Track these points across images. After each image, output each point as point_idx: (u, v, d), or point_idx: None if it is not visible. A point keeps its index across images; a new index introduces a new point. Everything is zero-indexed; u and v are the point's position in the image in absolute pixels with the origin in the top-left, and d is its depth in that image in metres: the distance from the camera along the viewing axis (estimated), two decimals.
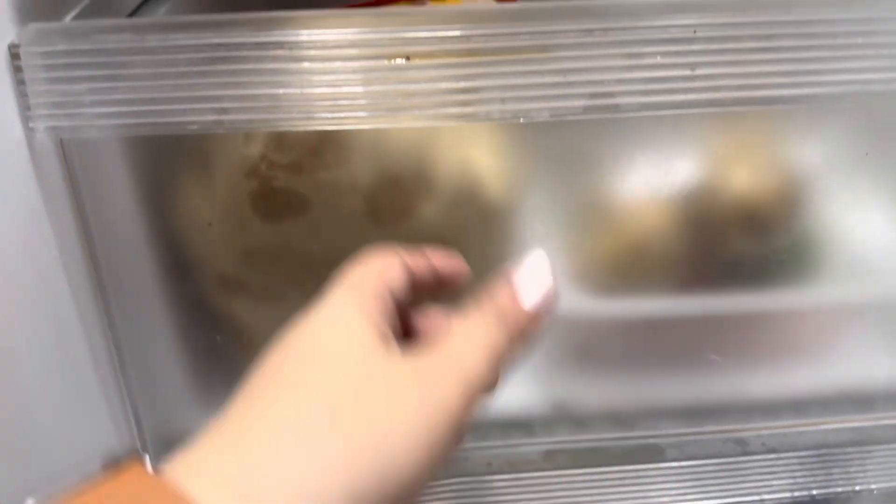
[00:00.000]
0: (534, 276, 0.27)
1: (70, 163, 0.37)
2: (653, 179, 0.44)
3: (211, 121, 0.34)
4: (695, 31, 0.34)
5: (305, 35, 0.33)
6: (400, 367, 0.23)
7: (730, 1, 0.35)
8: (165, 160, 0.39)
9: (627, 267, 0.45)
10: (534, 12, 0.34)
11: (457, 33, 0.34)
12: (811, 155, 0.44)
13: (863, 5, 0.35)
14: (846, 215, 0.45)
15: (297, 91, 0.34)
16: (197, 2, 0.48)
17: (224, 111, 0.34)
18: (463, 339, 0.25)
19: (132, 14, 0.42)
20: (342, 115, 0.35)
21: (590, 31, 0.34)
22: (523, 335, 0.26)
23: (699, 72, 0.35)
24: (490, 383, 0.25)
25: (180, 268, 0.41)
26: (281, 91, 0.34)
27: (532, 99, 0.35)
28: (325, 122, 0.35)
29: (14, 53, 0.33)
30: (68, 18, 0.38)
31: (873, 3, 0.35)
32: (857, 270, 0.47)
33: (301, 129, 0.35)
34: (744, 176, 0.44)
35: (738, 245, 0.45)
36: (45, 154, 0.36)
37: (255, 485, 0.19)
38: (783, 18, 0.34)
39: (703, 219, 0.45)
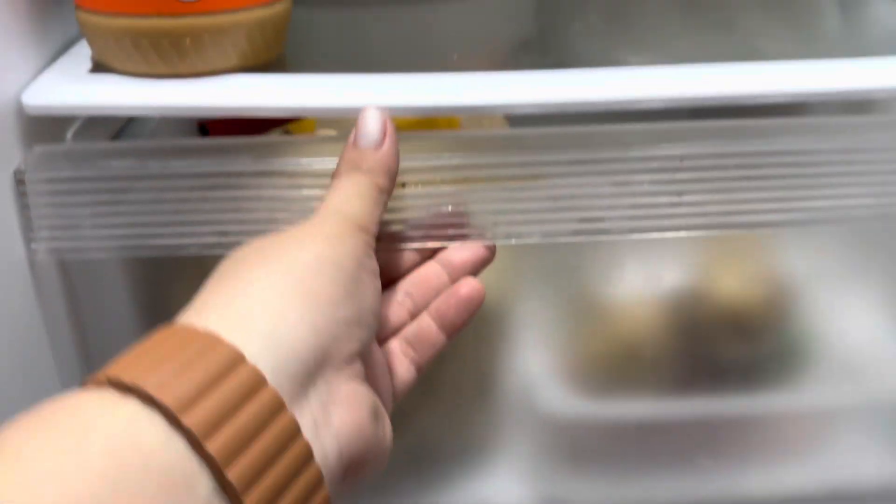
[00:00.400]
0: (365, 122, 0.32)
1: (70, 280, 0.38)
2: (642, 286, 0.45)
3: (210, 243, 0.35)
4: (681, 161, 0.35)
5: (305, 163, 0.34)
6: (307, 229, 0.29)
7: (715, 130, 0.36)
8: (165, 275, 0.40)
9: (619, 370, 0.46)
10: (526, 140, 0.36)
11: (451, 162, 0.35)
12: (798, 261, 0.45)
13: (844, 136, 0.36)
14: (834, 319, 0.46)
15: (298, 215, 0.35)
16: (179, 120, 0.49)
17: (223, 234, 0.35)
18: (334, 194, 0.31)
19: (124, 128, 0.43)
20: None
21: (580, 161, 0.35)
22: (380, 166, 0.31)
23: (685, 198, 0.36)
24: (370, 212, 0.30)
25: None
26: (280, 215, 0.35)
27: (523, 223, 0.36)
28: None
29: (19, 180, 0.34)
30: (70, 133, 0.39)
31: (854, 133, 0.36)
32: (846, 372, 0.47)
33: None
34: (732, 282, 0.45)
35: (728, 349, 0.46)
36: (46, 272, 0.37)
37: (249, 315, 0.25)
38: (767, 148, 0.35)
39: (692, 324, 0.45)
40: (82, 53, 0.39)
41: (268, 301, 0.25)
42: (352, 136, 0.32)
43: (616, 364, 0.46)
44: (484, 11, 0.52)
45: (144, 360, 0.22)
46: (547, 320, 0.45)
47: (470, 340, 0.45)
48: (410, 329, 0.34)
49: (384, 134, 0.31)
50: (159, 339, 0.23)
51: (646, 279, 0.45)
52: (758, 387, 0.46)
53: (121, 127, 0.43)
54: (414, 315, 0.35)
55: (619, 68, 0.36)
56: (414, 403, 0.46)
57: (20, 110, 0.35)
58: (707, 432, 0.47)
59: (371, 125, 0.31)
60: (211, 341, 0.23)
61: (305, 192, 0.35)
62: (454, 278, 0.35)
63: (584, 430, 0.47)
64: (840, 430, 0.49)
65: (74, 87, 0.35)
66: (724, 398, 0.47)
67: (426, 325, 0.34)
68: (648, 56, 0.45)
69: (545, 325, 0.46)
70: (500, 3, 0.54)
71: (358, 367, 0.27)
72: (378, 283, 0.30)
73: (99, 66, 0.37)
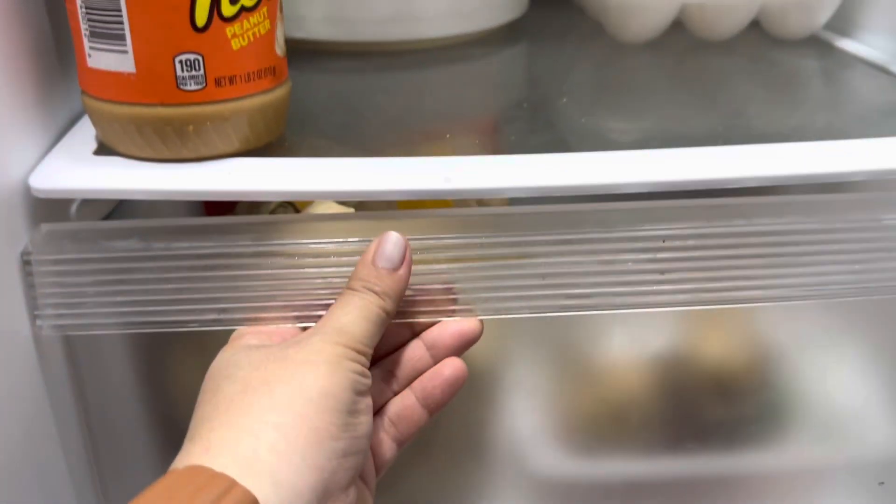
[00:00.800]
0: (387, 244, 0.33)
1: (74, 354, 0.39)
2: (630, 350, 0.46)
3: (210, 319, 0.36)
4: (664, 241, 0.36)
5: (304, 244, 0.36)
6: (308, 353, 0.31)
7: (696, 210, 0.37)
8: (166, 349, 0.41)
9: (607, 431, 0.47)
10: (514, 220, 0.37)
11: (441, 241, 0.36)
12: (780, 326, 0.47)
13: (822, 214, 0.37)
14: (815, 381, 0.48)
15: (297, 293, 0.36)
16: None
17: (223, 311, 0.36)
18: (343, 312, 0.32)
19: (125, 200, 0.44)
20: None
21: (567, 241, 0.36)
22: (393, 290, 0.33)
23: (668, 276, 0.37)
24: (373, 336, 0.32)
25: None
26: (280, 293, 0.36)
27: (512, 299, 0.37)
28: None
29: (26, 261, 0.35)
30: (73, 208, 0.40)
31: (832, 211, 0.37)
32: (827, 432, 0.49)
33: (299, 325, 0.37)
34: (716, 346, 0.46)
35: (712, 411, 0.47)
36: (50, 347, 0.38)
37: (258, 458, 0.27)
38: (747, 228, 0.37)
39: (678, 386, 0.47)
40: (87, 131, 0.40)
41: (275, 445, 0.28)
42: (369, 255, 0.33)
43: (605, 425, 0.47)
44: (476, 79, 0.54)
45: None
46: (537, 383, 0.47)
47: (462, 402, 0.46)
48: (394, 407, 0.36)
49: (403, 259, 0.33)
50: (181, 481, 0.26)
51: (633, 344, 0.46)
52: (741, 447, 0.48)
53: (122, 199, 0.44)
54: (397, 391, 0.36)
55: (605, 153, 0.38)
56: (407, 463, 0.47)
57: (27, 191, 0.36)
58: (692, 491, 0.48)
59: (393, 249, 0.33)
60: (227, 485, 0.26)
61: (304, 270, 0.36)
62: (438, 359, 0.36)
63: (574, 489, 0.48)
64: (821, 490, 0.50)
65: (80, 171, 0.36)
66: (709, 458, 0.48)
67: (409, 403, 0.36)
68: (636, 123, 0.47)
69: (536, 387, 0.47)
70: (491, 70, 0.55)
71: (352, 492, 0.30)
72: (370, 402, 0.32)
73: (103, 146, 0.38)
